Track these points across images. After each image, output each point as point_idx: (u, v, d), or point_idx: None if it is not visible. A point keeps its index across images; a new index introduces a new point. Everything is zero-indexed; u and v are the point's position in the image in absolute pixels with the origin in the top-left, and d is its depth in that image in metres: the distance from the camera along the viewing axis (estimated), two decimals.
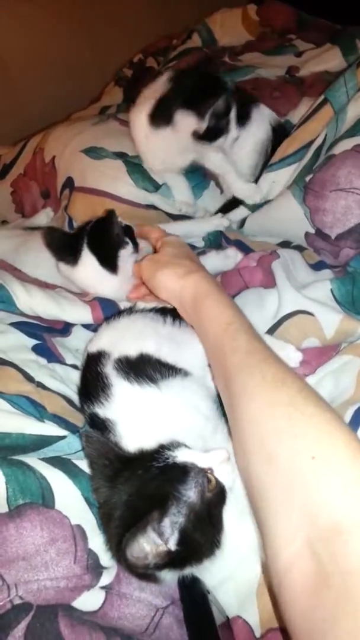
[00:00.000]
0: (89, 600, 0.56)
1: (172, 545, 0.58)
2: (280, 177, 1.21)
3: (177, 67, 1.67)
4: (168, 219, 1.28)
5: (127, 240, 1.01)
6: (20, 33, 2.31)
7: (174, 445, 0.64)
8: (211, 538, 0.60)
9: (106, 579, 0.59)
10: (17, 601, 0.53)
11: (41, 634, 0.51)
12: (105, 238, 1.00)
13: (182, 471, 0.61)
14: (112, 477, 0.62)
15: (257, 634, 0.62)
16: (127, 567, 0.58)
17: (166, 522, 0.58)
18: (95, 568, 0.59)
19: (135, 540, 0.54)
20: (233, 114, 1.22)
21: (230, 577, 0.67)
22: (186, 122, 1.14)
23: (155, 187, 1.29)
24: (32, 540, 0.58)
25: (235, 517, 0.65)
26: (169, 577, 0.59)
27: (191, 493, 0.59)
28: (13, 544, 0.57)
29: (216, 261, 1.06)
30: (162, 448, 0.64)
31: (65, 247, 1.02)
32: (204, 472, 0.62)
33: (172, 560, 0.58)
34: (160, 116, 1.18)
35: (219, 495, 0.62)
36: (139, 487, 0.60)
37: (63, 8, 2.37)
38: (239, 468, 0.61)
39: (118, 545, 0.57)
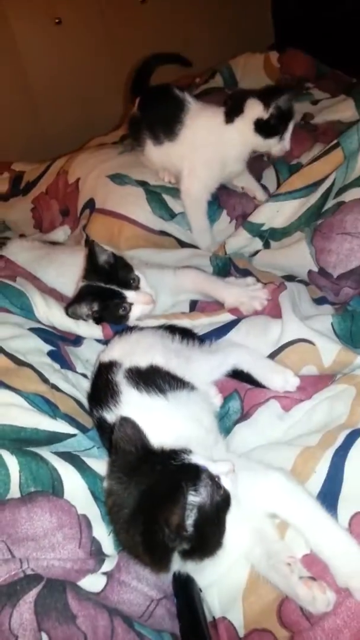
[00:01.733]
0: (93, 583, 0.63)
1: (190, 529, 0.64)
2: (285, 209, 1.31)
3: None
4: (178, 246, 1.39)
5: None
6: (48, 57, 2.49)
7: (187, 451, 0.70)
8: (217, 537, 0.66)
9: (107, 566, 0.66)
10: (29, 572, 0.60)
11: (50, 602, 0.58)
12: None
13: (196, 471, 0.67)
14: (133, 467, 0.68)
15: (241, 634, 0.68)
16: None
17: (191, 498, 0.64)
18: (98, 554, 0.66)
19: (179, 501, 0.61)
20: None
21: (217, 582, 0.73)
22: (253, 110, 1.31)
23: (171, 215, 1.41)
24: (42, 524, 0.65)
25: (231, 523, 0.72)
26: (175, 566, 0.65)
27: (203, 491, 0.65)
28: (24, 526, 0.64)
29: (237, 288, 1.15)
30: (180, 451, 0.70)
31: None
32: (214, 477, 0.68)
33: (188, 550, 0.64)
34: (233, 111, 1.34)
35: (225, 500, 0.68)
36: (157, 479, 0.66)
37: (92, 35, 2.55)
38: None
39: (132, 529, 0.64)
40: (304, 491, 0.73)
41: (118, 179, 1.45)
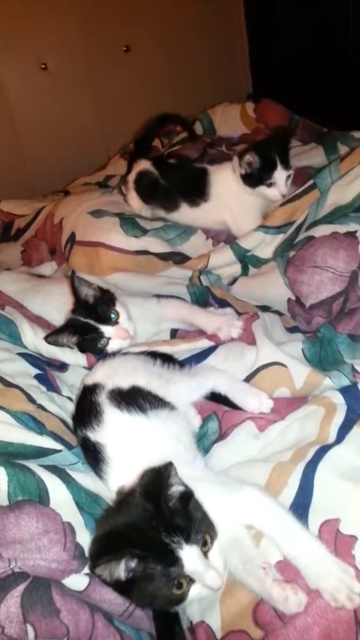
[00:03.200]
0: (76, 582, 0.69)
1: (124, 579, 0.68)
2: (274, 242, 1.47)
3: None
4: (158, 261, 1.51)
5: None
6: (34, 101, 2.65)
7: (193, 536, 0.71)
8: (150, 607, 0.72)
9: None
10: (17, 570, 0.65)
11: (36, 596, 0.64)
12: None
13: (172, 561, 0.69)
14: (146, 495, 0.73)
15: (218, 636, 0.74)
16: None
17: (134, 564, 0.68)
18: (81, 557, 0.72)
19: (110, 564, 0.66)
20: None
21: None
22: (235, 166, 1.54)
23: (143, 231, 1.55)
24: (28, 529, 0.71)
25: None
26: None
27: (158, 578, 0.68)
28: (12, 531, 0.70)
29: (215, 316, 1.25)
30: (188, 529, 0.71)
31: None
32: (182, 577, 0.69)
33: (118, 588, 0.70)
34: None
35: (178, 600, 0.70)
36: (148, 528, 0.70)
37: (76, 81, 2.73)
38: None
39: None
40: (277, 503, 0.80)
41: (97, 213, 1.59)
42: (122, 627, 0.69)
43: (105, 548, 0.68)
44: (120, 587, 0.70)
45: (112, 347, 1.14)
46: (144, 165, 1.68)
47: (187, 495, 0.75)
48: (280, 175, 1.47)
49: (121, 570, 0.67)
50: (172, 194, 1.62)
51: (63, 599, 0.65)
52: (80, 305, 1.15)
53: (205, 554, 0.72)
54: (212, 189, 1.59)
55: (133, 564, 0.67)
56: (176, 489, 0.74)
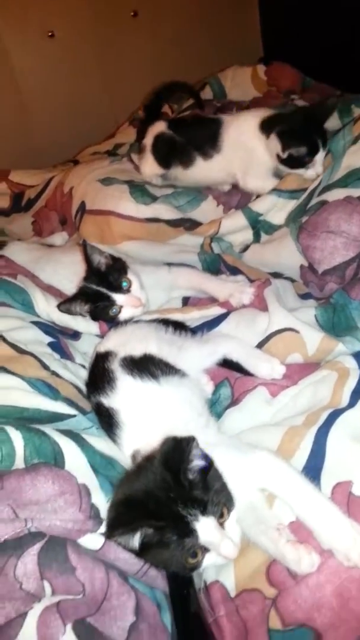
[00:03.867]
0: (91, 541, 0.70)
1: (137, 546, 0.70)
2: (287, 208, 1.44)
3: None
4: (168, 228, 1.48)
5: None
6: (41, 70, 2.60)
7: (209, 508, 0.71)
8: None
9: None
10: (33, 530, 0.67)
11: (52, 554, 0.65)
12: None
13: (187, 532, 0.69)
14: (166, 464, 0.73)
15: (232, 594, 0.75)
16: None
17: (149, 534, 0.69)
18: (96, 518, 0.74)
19: (126, 536, 0.67)
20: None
21: None
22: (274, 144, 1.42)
23: (153, 198, 1.52)
24: (45, 490, 0.72)
25: None
26: None
27: (173, 548, 0.69)
28: (28, 492, 0.71)
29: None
30: (205, 501, 0.71)
31: None
32: (196, 548, 0.70)
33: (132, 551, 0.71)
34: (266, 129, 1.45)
35: (191, 567, 0.71)
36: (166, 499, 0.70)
37: (84, 48, 2.66)
38: None
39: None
40: (289, 465, 0.80)
41: (106, 181, 1.57)
42: (136, 584, 0.70)
43: (121, 518, 0.69)
44: (135, 551, 0.71)
45: (124, 315, 1.13)
46: (159, 127, 1.63)
47: (207, 468, 0.75)
48: (320, 157, 1.40)
49: (136, 541, 0.68)
50: (187, 148, 1.57)
51: (79, 558, 0.67)
52: (92, 273, 1.14)
53: (221, 524, 0.72)
54: (225, 139, 1.53)
55: (149, 532, 0.68)
56: (196, 463, 0.74)
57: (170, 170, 1.61)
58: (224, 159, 1.54)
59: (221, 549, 0.69)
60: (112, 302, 1.12)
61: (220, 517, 0.71)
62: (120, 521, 0.69)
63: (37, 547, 0.65)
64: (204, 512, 0.69)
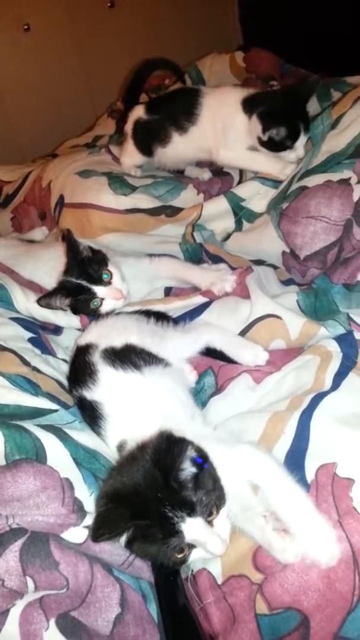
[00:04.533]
0: (75, 535, 0.70)
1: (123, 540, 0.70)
2: (268, 195, 1.42)
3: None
4: (149, 218, 1.46)
5: None
6: (18, 64, 2.56)
7: (198, 509, 0.70)
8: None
9: (89, 520, 0.73)
10: (14, 526, 0.66)
11: (35, 550, 0.64)
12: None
13: (172, 532, 0.68)
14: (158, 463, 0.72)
15: (220, 581, 0.75)
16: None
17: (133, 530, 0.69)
18: (79, 511, 0.73)
19: (113, 534, 0.67)
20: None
21: None
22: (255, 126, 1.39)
23: (132, 189, 1.49)
24: (26, 487, 0.71)
25: None
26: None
27: (158, 546, 0.68)
28: (9, 489, 0.70)
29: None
30: (192, 504, 0.70)
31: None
32: (182, 546, 0.70)
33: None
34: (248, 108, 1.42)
35: (176, 563, 0.70)
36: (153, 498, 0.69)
37: (60, 41, 2.62)
38: None
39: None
40: (272, 460, 0.78)
41: (85, 173, 1.54)
42: (121, 576, 0.70)
43: (108, 517, 0.68)
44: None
45: (105, 307, 1.12)
46: (138, 112, 1.59)
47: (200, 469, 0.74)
48: (301, 141, 1.38)
49: (122, 541, 0.68)
50: (164, 124, 1.54)
51: (61, 552, 0.66)
52: (72, 265, 1.12)
53: (210, 522, 0.71)
54: (203, 110, 1.49)
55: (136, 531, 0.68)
56: (187, 467, 0.73)
57: (153, 156, 1.58)
58: (199, 131, 1.50)
59: (208, 546, 0.69)
60: (93, 295, 1.10)
61: (209, 516, 0.71)
62: (105, 521, 0.67)
63: (18, 543, 0.64)
64: (191, 513, 0.68)
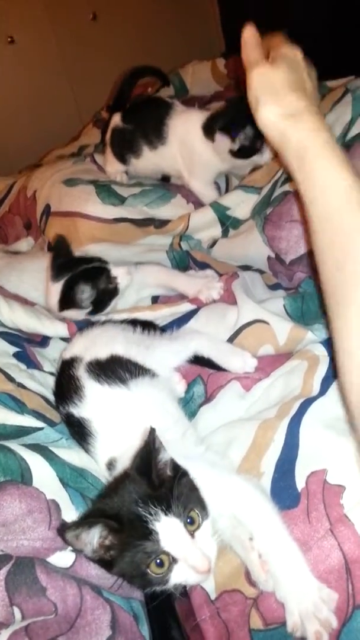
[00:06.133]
0: (62, 559, 0.66)
1: (106, 557, 0.64)
2: (250, 202, 1.39)
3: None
4: (136, 228, 1.44)
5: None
6: (3, 76, 2.54)
7: (174, 508, 0.65)
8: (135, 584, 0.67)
9: None
10: None
11: (20, 577, 0.61)
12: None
13: (145, 534, 0.63)
14: (139, 470, 0.69)
15: (213, 596, 0.72)
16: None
17: (109, 538, 0.64)
18: None
19: (83, 528, 0.62)
20: None
21: None
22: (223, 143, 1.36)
23: (121, 200, 1.46)
24: (12, 510, 0.68)
25: None
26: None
27: (134, 553, 0.63)
28: None
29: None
30: (168, 500, 0.66)
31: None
32: (160, 554, 0.64)
33: (103, 564, 0.66)
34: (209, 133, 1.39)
35: (158, 580, 0.64)
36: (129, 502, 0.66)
37: (45, 53, 2.61)
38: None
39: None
40: (265, 499, 0.73)
41: (71, 182, 1.51)
42: (111, 597, 0.66)
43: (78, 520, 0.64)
44: (103, 563, 0.66)
45: (122, 285, 1.14)
46: (115, 120, 1.57)
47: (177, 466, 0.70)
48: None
49: (94, 540, 0.62)
50: (135, 136, 1.51)
51: (48, 577, 0.63)
52: (70, 262, 1.14)
53: (192, 533, 0.66)
54: (170, 133, 1.45)
55: (109, 537, 0.63)
56: (164, 455, 0.70)
57: (128, 165, 1.56)
58: (168, 152, 1.47)
59: (189, 558, 0.63)
60: (109, 271, 1.12)
61: (192, 524, 0.66)
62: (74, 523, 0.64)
63: (3, 571, 0.61)
64: (166, 511, 0.63)
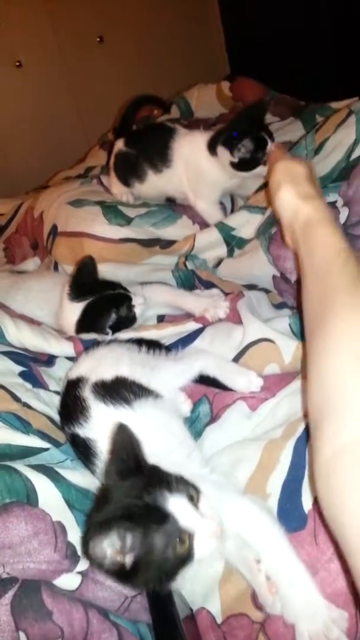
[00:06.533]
0: (68, 581, 0.66)
1: (127, 562, 0.63)
2: (254, 222, 1.40)
3: None
4: (142, 248, 1.45)
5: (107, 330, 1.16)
6: (11, 99, 2.59)
7: (174, 487, 0.67)
8: (159, 582, 0.66)
9: (82, 565, 0.69)
10: (4, 576, 0.62)
11: (26, 601, 0.60)
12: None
13: (163, 517, 0.65)
14: (121, 473, 0.70)
15: (219, 620, 0.71)
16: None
17: (129, 537, 0.63)
18: (72, 556, 0.69)
19: (100, 537, 0.61)
20: None
21: (194, 577, 0.76)
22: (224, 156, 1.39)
23: (128, 220, 1.48)
24: (17, 532, 0.68)
25: None
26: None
27: (158, 539, 0.63)
28: (0, 535, 0.67)
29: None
30: (168, 481, 0.68)
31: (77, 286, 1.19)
32: (181, 532, 0.65)
33: (123, 576, 0.65)
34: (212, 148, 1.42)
35: (185, 558, 0.65)
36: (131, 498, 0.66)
37: (52, 75, 2.67)
38: (316, 365, 0.67)
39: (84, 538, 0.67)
40: (271, 520, 0.74)
41: (77, 203, 1.53)
42: (118, 620, 0.66)
43: (91, 532, 0.64)
44: (122, 575, 0.65)
45: (138, 312, 1.16)
46: (119, 145, 1.60)
47: None
48: (271, 148, 1.37)
49: (113, 546, 0.62)
50: (139, 161, 1.53)
51: (54, 601, 0.62)
52: (94, 284, 1.16)
53: (195, 505, 0.68)
54: (175, 154, 1.48)
55: (129, 540, 0.62)
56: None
57: (131, 188, 1.58)
58: (174, 174, 1.49)
59: (204, 528, 0.65)
60: (130, 299, 1.13)
61: (191, 500, 0.67)
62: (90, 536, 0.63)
63: (9, 595, 0.60)
64: (170, 490, 0.65)
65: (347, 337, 0.64)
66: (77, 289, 1.16)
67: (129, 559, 0.63)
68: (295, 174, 0.92)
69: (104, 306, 1.13)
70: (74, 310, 1.16)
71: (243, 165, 1.39)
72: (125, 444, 0.73)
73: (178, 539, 0.65)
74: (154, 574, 0.65)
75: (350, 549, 0.52)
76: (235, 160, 1.37)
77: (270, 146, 1.35)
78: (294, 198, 0.87)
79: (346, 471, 0.55)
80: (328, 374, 0.64)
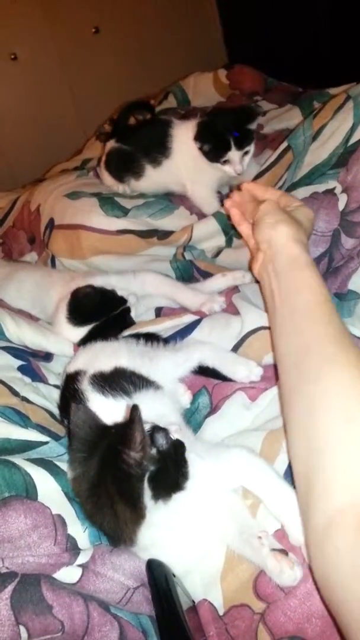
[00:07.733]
0: (68, 574, 0.66)
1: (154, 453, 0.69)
2: None
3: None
4: (140, 240, 1.44)
5: None
6: (7, 92, 2.57)
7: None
8: (180, 469, 0.71)
9: (82, 558, 0.69)
10: (4, 570, 0.62)
11: (26, 595, 0.60)
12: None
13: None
14: (90, 445, 0.73)
15: (221, 612, 0.71)
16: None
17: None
18: (73, 549, 0.69)
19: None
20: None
21: (196, 568, 0.76)
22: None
23: (125, 212, 1.47)
24: (17, 526, 0.67)
25: (203, 507, 0.75)
26: (151, 510, 0.68)
27: (160, 437, 0.72)
28: (0, 529, 0.66)
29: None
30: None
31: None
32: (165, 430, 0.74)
33: (152, 477, 0.68)
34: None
35: (181, 445, 0.73)
36: (112, 439, 0.72)
37: (48, 68, 2.64)
38: (302, 425, 0.68)
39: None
40: (265, 462, 0.77)
41: (74, 195, 1.52)
42: (119, 613, 0.66)
43: None
44: None
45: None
46: (110, 144, 1.61)
47: None
48: (234, 154, 1.39)
49: None
50: (136, 157, 1.53)
51: (54, 594, 0.62)
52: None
53: None
54: (174, 143, 1.49)
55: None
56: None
57: (125, 183, 1.58)
58: (173, 165, 1.50)
59: None
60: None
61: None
62: None
63: (9, 589, 0.60)
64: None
65: (336, 397, 0.63)
66: (78, 316, 1.14)
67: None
68: (287, 218, 0.91)
69: (109, 332, 1.09)
70: (75, 332, 1.14)
71: (204, 155, 1.42)
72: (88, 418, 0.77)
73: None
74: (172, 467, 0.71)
75: (349, 629, 0.53)
76: (197, 146, 1.41)
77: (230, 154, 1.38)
78: (290, 238, 0.86)
79: (339, 542, 0.55)
80: (317, 437, 0.63)
